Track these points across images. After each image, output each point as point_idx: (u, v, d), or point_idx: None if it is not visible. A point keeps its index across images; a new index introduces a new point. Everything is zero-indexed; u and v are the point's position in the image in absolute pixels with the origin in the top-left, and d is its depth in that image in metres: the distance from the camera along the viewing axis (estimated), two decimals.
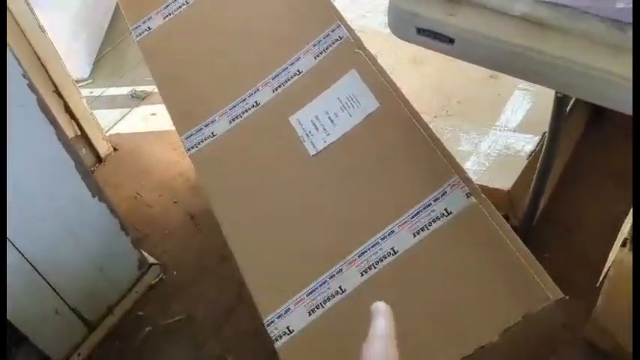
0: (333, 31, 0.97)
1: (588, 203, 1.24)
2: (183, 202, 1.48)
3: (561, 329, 0.81)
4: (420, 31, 0.65)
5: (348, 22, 0.97)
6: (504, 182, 1.12)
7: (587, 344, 0.99)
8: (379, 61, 0.92)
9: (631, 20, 0.55)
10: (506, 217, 1.13)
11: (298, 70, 0.98)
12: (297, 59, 0.99)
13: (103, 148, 1.66)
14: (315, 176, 0.88)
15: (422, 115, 0.85)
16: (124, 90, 1.90)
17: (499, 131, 1.22)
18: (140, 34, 1.14)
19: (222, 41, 1.07)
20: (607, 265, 0.90)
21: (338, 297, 0.77)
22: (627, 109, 0.56)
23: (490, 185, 1.11)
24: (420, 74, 1.39)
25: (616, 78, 0.55)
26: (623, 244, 0.84)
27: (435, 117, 1.28)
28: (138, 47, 1.13)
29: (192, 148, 0.97)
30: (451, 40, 0.63)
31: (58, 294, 1.14)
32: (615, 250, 0.89)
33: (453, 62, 1.42)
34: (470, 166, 1.18)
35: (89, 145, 1.62)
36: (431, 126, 0.84)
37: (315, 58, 0.97)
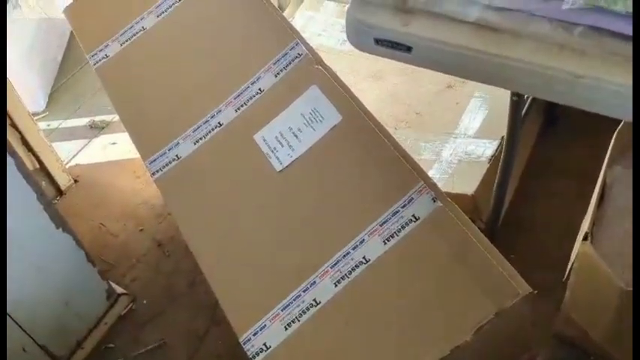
0: (292, 48, 0.99)
1: (549, 202, 1.28)
2: (149, 229, 1.46)
3: (532, 327, 0.83)
4: (378, 42, 0.67)
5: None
6: (468, 187, 1.15)
7: (557, 338, 1.01)
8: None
9: (575, 20, 0.58)
10: (472, 221, 1.16)
11: (260, 89, 0.99)
12: (258, 78, 1.00)
13: (63, 181, 1.62)
14: (282, 192, 0.88)
15: None
16: (83, 121, 1.88)
17: (459, 139, 1.26)
18: (97, 62, 1.14)
19: (182, 64, 1.07)
20: (571, 259, 0.93)
21: (313, 309, 0.77)
22: (573, 102, 0.59)
23: (454, 191, 1.13)
24: (378, 89, 1.42)
25: (562, 74, 0.58)
26: (585, 238, 0.87)
27: (396, 129, 1.30)
28: (95, 76, 1.13)
29: (157, 172, 0.97)
30: (409, 49, 0.65)
31: (24, 331, 1.11)
32: (578, 245, 0.92)
33: (411, 76, 1.48)
34: (433, 174, 1.20)
35: (49, 178, 1.58)
36: None
37: (275, 76, 0.99)
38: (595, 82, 0.56)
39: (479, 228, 1.16)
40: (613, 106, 0.59)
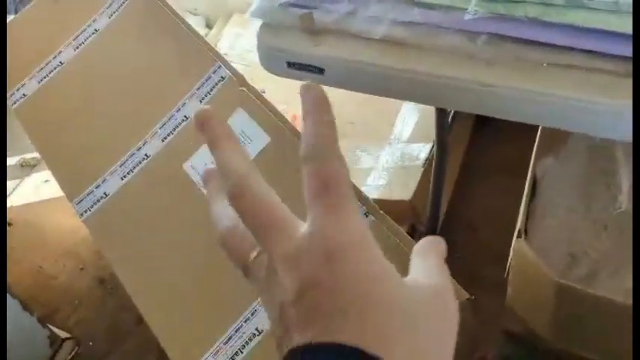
0: (215, 72, 0.97)
1: (485, 200, 1.31)
2: (90, 267, 1.41)
3: (481, 326, 0.83)
4: (290, 65, 0.66)
5: (236, 59, 0.97)
6: (406, 192, 1.15)
7: (505, 334, 1.03)
8: (270, 94, 0.92)
9: (478, 29, 0.59)
10: (413, 226, 1.17)
11: (185, 116, 0.96)
12: (183, 104, 0.97)
13: None
14: None
15: None
16: (13, 160, 1.80)
17: (394, 144, 1.26)
18: (16, 102, 1.10)
19: (102, 97, 1.04)
20: (510, 257, 0.95)
21: (256, 339, 0.76)
22: (486, 111, 0.60)
23: (393, 197, 1.14)
24: None
25: (471, 84, 0.58)
26: (519, 235, 0.88)
27: None
28: None
29: (85, 212, 0.93)
30: (321, 70, 0.65)
31: None
32: (514, 241, 0.93)
33: None
34: (371, 182, 1.21)
35: None
36: None
37: (200, 101, 0.96)
38: (502, 90, 0.57)
39: (420, 232, 1.17)
40: (524, 111, 0.60)
